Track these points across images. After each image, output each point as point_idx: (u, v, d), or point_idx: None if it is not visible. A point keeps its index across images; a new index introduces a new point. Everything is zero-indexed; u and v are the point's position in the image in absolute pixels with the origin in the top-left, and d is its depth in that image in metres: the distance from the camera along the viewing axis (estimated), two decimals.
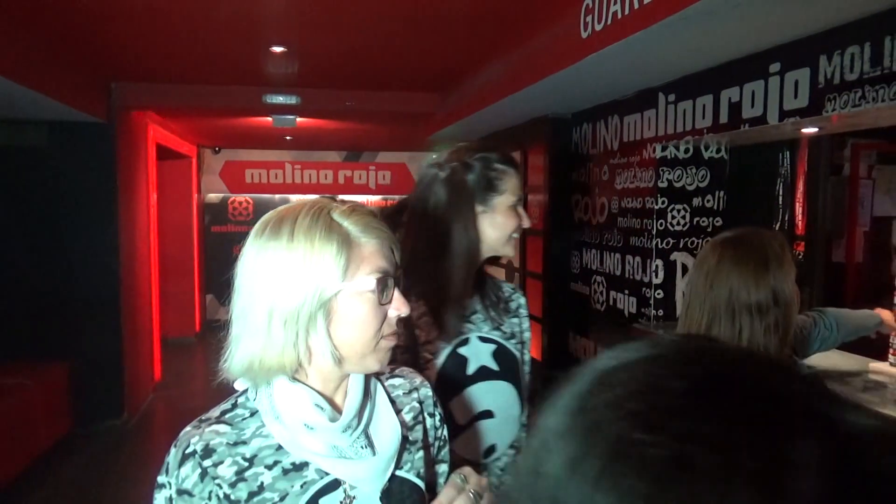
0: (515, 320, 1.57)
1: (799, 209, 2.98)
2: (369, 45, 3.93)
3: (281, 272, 0.89)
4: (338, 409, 0.96)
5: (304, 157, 9.37)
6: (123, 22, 3.48)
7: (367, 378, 1.01)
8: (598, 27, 2.73)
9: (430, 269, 1.40)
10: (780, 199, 3.08)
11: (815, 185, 3.06)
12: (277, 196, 9.25)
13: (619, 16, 2.55)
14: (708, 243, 1.47)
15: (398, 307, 0.95)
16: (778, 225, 3.09)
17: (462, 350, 1.44)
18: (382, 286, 0.92)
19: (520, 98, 3.97)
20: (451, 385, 1.40)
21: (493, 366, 1.46)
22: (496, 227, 1.44)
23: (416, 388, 1.09)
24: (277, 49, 4.01)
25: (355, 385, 0.98)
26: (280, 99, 5.21)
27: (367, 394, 0.99)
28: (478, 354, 1.45)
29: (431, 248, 1.42)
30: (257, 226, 0.97)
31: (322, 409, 0.93)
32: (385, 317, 0.94)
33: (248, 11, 3.33)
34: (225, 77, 4.94)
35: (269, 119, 5.94)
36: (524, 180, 5.13)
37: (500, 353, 1.48)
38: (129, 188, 5.37)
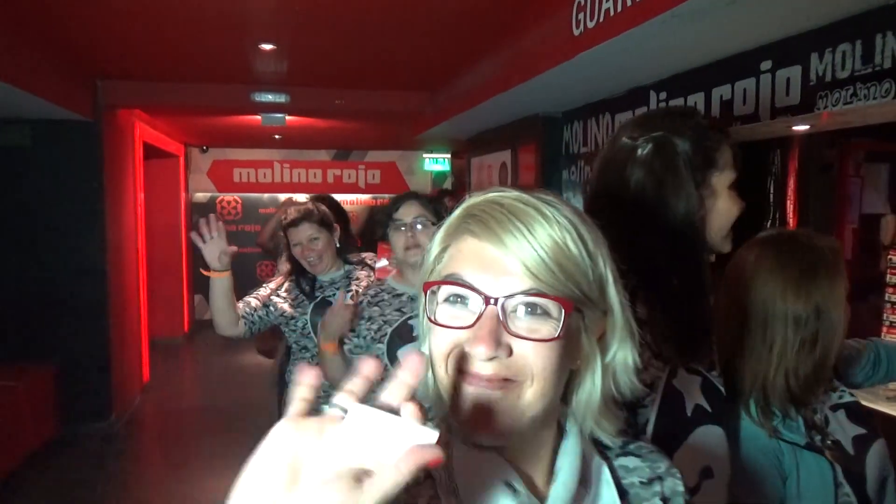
0: None
1: (790, 207, 2.99)
2: (359, 43, 3.90)
3: None
4: (537, 495, 0.66)
5: (293, 156, 9.32)
6: (109, 18, 3.43)
7: (587, 450, 0.71)
8: (590, 24, 2.72)
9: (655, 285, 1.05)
10: (772, 196, 3.09)
11: (806, 182, 3.07)
12: (266, 195, 9.20)
13: (612, 13, 2.54)
14: (748, 241, 1.29)
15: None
16: (770, 222, 3.10)
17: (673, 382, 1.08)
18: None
19: (510, 96, 3.96)
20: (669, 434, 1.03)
21: (706, 405, 1.09)
22: (719, 216, 1.12)
23: (661, 478, 0.75)
24: (266, 46, 3.98)
25: (569, 458, 0.68)
26: (269, 97, 5.17)
27: (583, 479, 0.69)
28: (689, 389, 1.09)
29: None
30: None
31: (516, 491, 0.65)
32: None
33: (237, 8, 3.29)
34: (213, 75, 4.89)
35: (258, 117, 5.90)
36: (516, 179, 5.12)
37: (709, 389, 1.12)
38: (115, 187, 5.31)
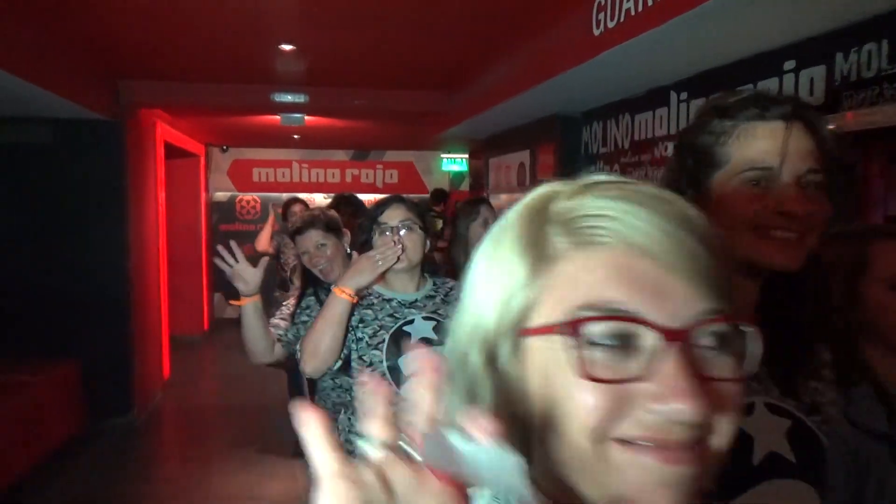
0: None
1: None
2: (378, 42, 3.92)
3: None
4: None
5: (311, 156, 9.37)
6: (132, 19, 3.48)
7: None
8: (610, 24, 2.71)
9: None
10: None
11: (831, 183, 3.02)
12: (285, 195, 9.25)
13: (633, 13, 2.53)
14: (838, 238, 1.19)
15: None
16: None
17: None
18: None
19: (529, 96, 3.95)
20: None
21: (787, 453, 0.89)
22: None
23: None
24: (286, 47, 4.00)
25: None
26: (288, 97, 5.21)
27: None
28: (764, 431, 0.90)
29: None
30: None
31: None
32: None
33: (257, 9, 3.32)
34: (233, 75, 4.94)
35: (278, 117, 5.94)
36: (534, 179, 5.11)
37: (799, 435, 0.91)
38: (137, 186, 5.37)
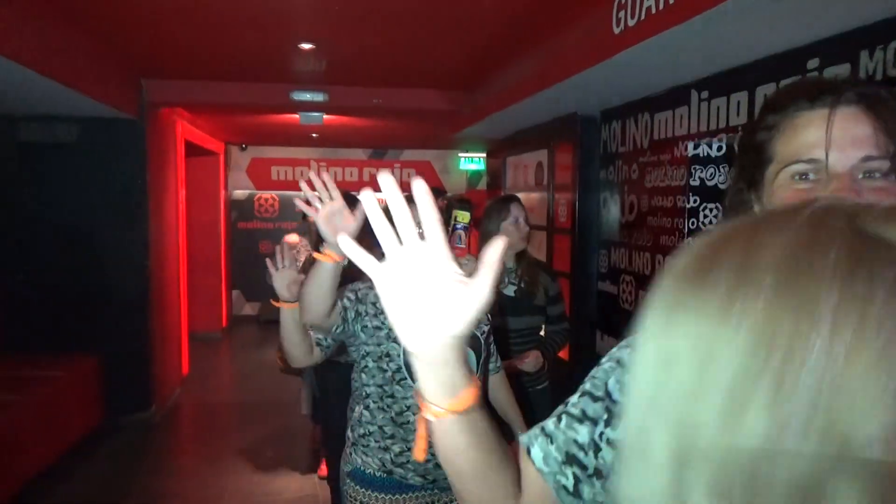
0: None
1: None
2: (396, 41, 3.92)
3: None
4: None
5: (329, 155, 9.41)
6: (154, 18, 3.51)
7: None
8: (630, 22, 2.69)
9: None
10: None
11: None
12: (303, 193, 9.31)
13: (654, 10, 2.50)
14: None
15: None
16: None
17: None
18: None
19: (548, 95, 3.93)
20: None
21: None
22: None
23: None
24: (305, 46, 4.02)
25: None
26: (307, 96, 5.23)
27: None
28: None
29: None
30: None
31: None
32: None
33: (277, 8, 3.34)
34: (253, 74, 4.97)
35: (296, 116, 5.97)
36: (552, 178, 5.08)
37: None
38: (158, 184, 5.43)
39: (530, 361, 2.80)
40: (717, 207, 3.32)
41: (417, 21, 3.51)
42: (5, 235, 4.87)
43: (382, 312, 1.85)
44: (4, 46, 3.05)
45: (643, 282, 3.81)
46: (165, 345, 5.63)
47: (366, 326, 1.92)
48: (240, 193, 9.29)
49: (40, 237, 4.96)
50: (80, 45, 3.92)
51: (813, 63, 2.55)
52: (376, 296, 1.91)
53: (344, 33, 3.78)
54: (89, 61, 4.14)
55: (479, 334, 2.05)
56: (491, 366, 2.21)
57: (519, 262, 2.95)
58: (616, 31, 2.81)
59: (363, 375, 1.95)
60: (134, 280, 5.10)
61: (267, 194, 9.35)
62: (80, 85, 3.96)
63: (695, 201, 3.30)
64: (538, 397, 2.90)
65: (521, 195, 5.80)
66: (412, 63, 4.51)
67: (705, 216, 3.31)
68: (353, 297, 1.93)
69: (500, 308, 2.82)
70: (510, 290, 2.91)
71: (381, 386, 1.92)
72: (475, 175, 9.53)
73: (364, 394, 1.95)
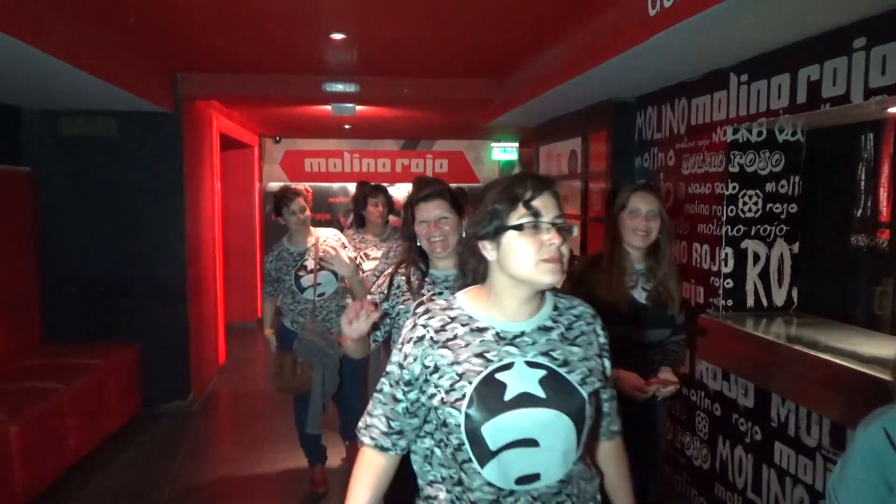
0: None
1: (883, 195, 2.79)
2: (428, 30, 3.90)
3: None
4: None
5: (362, 146, 9.45)
6: (188, 12, 3.54)
7: None
8: (666, 4, 2.61)
9: None
10: (862, 184, 2.89)
11: None
12: (336, 185, 9.36)
13: None
14: None
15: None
16: (860, 212, 2.91)
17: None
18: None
19: (581, 82, 3.87)
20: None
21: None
22: None
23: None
24: (337, 36, 4.02)
25: None
26: (339, 87, 5.24)
27: None
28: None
29: None
30: None
31: None
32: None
33: None
34: (286, 66, 5.00)
35: (329, 108, 5.99)
36: (586, 167, 5.01)
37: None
38: (194, 177, 5.51)
39: (670, 390, 2.35)
40: (756, 194, 3.23)
41: (449, 9, 3.48)
42: (49, 228, 4.99)
43: (437, 369, 1.35)
44: (46, 43, 3.11)
45: (680, 271, 3.73)
46: (203, 334, 5.73)
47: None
48: (274, 186, 9.37)
49: (82, 230, 5.08)
50: (117, 40, 3.99)
51: (859, 42, 2.45)
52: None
53: (375, 22, 3.77)
54: (126, 56, 4.21)
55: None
56: (602, 428, 1.51)
57: (651, 260, 2.49)
58: (652, 12, 2.74)
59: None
60: (172, 271, 5.19)
61: (301, 186, 9.41)
62: (117, 79, 4.03)
63: (734, 188, 3.22)
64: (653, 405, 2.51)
65: None
66: (444, 52, 4.48)
67: (744, 203, 3.22)
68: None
69: (631, 318, 2.42)
70: (641, 296, 2.47)
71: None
72: (507, 165, 9.46)
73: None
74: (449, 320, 1.36)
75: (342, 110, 5.92)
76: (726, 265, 3.24)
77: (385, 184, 4.59)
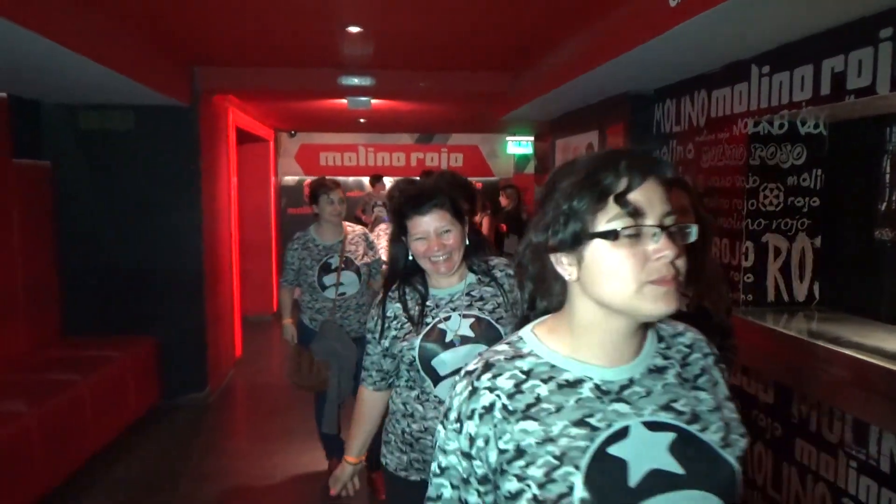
0: None
1: None
2: (444, 23, 3.87)
3: None
4: None
5: (377, 140, 9.44)
6: (204, 6, 3.55)
7: None
8: None
9: None
10: (887, 177, 2.84)
11: None
12: (351, 178, 9.37)
13: None
14: None
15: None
16: (884, 205, 2.86)
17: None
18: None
19: (598, 74, 3.83)
20: None
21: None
22: None
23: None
24: (353, 29, 4.01)
25: None
26: (355, 80, 5.24)
27: None
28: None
29: None
30: None
31: None
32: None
33: None
34: (302, 59, 5.00)
35: (344, 101, 5.99)
36: None
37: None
38: (211, 170, 5.53)
39: None
40: (777, 188, 3.18)
41: (465, 2, 3.45)
42: (67, 222, 5.04)
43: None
44: (65, 37, 3.12)
45: None
46: (219, 327, 5.76)
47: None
48: (289, 179, 9.41)
49: (100, 223, 5.12)
50: (135, 34, 4.00)
51: (886, 32, 2.39)
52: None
53: (391, 15, 3.75)
54: (144, 50, 4.23)
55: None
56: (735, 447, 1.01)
57: (689, 264, 2.15)
58: (672, 3, 2.70)
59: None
60: (189, 264, 5.22)
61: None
62: (135, 73, 4.04)
63: (754, 181, 3.17)
64: None
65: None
66: (459, 45, 4.45)
67: (765, 197, 3.17)
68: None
69: None
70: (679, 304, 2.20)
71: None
72: (522, 159, 9.42)
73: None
74: (523, 376, 0.93)
75: (357, 104, 5.91)
76: (747, 259, 3.20)
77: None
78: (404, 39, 4.33)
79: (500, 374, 0.94)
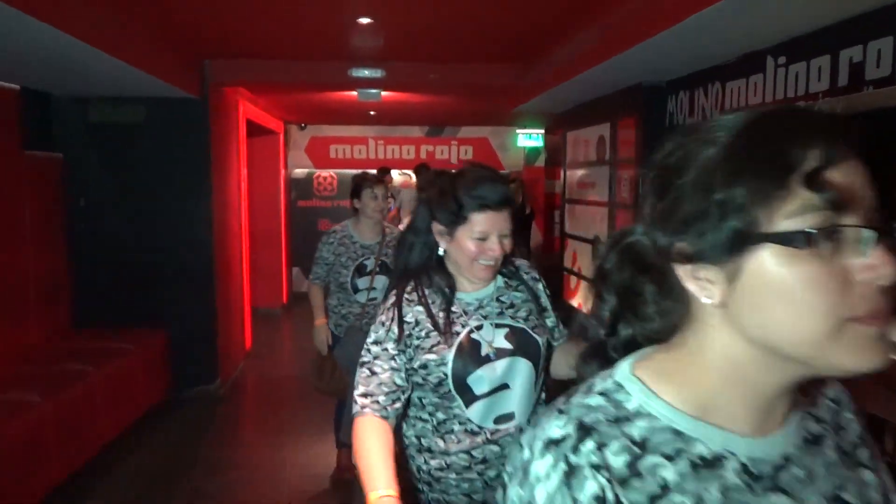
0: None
1: None
2: (455, 14, 3.84)
3: None
4: None
5: (386, 133, 9.42)
6: None
7: None
8: None
9: None
10: None
11: None
12: (361, 172, 9.36)
13: None
14: None
15: None
16: None
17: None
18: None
19: (611, 66, 3.79)
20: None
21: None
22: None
23: None
24: (364, 21, 3.99)
25: None
26: (365, 73, 5.21)
27: None
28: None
29: None
30: None
31: None
32: None
33: None
34: (312, 51, 4.98)
35: (355, 94, 5.97)
36: (614, 153, 4.93)
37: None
38: (221, 163, 5.53)
39: None
40: None
41: None
42: (78, 215, 5.06)
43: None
44: (76, 28, 3.12)
45: None
46: (229, 320, 5.77)
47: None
48: (299, 172, 9.41)
49: (111, 216, 5.13)
50: (146, 25, 4.00)
51: None
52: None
53: (402, 6, 3.72)
54: (154, 42, 4.22)
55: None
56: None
57: None
58: None
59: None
60: (199, 257, 5.23)
61: (326, 173, 9.44)
62: (146, 65, 4.04)
63: None
64: None
65: (581, 171, 5.69)
66: (470, 37, 4.42)
67: None
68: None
69: None
70: None
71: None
72: (533, 152, 9.38)
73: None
74: (637, 449, 0.62)
75: (368, 96, 5.89)
76: None
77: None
78: (415, 31, 4.30)
79: (604, 445, 0.61)
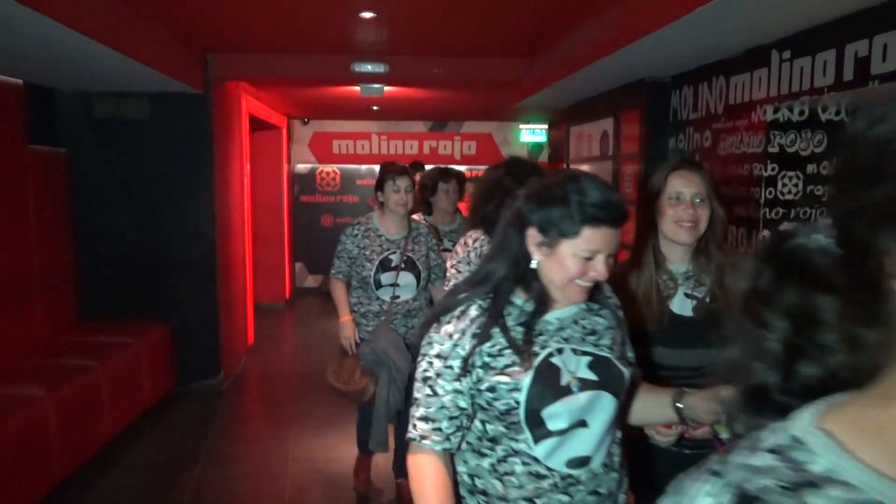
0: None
1: None
2: (458, 8, 3.83)
3: None
4: None
5: (390, 128, 9.41)
6: None
7: None
8: None
9: None
10: None
11: None
12: (364, 167, 9.35)
13: None
14: None
15: None
16: None
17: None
18: None
19: (615, 60, 3.78)
20: None
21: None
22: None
23: None
24: (367, 15, 3.98)
25: None
26: (368, 67, 5.20)
27: None
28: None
29: None
30: None
31: None
32: None
33: None
34: (315, 46, 4.97)
35: (357, 88, 5.96)
36: (618, 148, 4.92)
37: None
38: (224, 158, 5.53)
39: (671, 432, 1.65)
40: (796, 176, 3.13)
41: None
42: (82, 209, 5.06)
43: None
44: (80, 23, 3.12)
45: None
46: (232, 314, 5.78)
47: None
48: (302, 167, 9.41)
49: (115, 210, 5.14)
50: (149, 20, 3.99)
51: None
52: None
53: (405, 0, 3.71)
54: (158, 37, 4.22)
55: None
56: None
57: (700, 260, 1.87)
58: None
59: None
60: (202, 251, 5.24)
61: (329, 168, 9.43)
62: (150, 60, 4.04)
63: (773, 169, 3.12)
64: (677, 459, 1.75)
65: (584, 166, 5.68)
66: (473, 31, 4.41)
67: (784, 185, 3.12)
68: None
69: (670, 337, 1.81)
70: (684, 308, 1.85)
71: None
72: (536, 147, 9.36)
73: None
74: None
75: (370, 91, 5.88)
76: None
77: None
78: (418, 25, 4.29)
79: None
